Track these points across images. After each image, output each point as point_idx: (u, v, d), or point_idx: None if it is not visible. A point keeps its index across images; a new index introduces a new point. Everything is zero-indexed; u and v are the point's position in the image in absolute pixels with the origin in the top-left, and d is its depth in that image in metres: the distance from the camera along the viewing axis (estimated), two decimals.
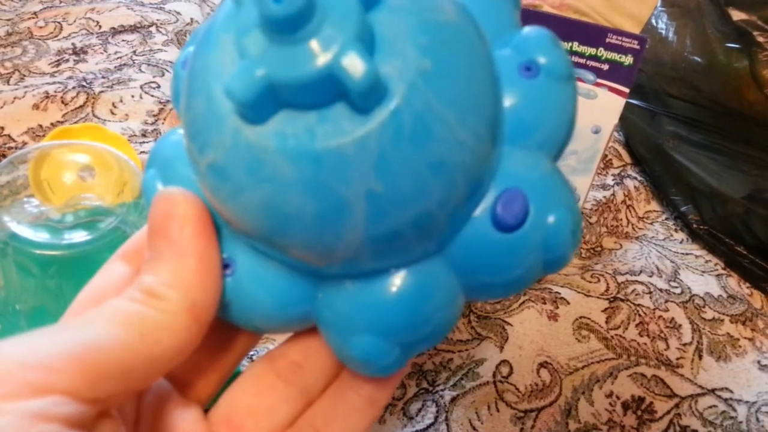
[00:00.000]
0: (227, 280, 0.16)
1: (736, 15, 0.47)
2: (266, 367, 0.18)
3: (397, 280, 0.15)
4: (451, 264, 0.15)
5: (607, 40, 0.39)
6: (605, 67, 0.40)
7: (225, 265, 0.16)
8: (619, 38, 0.39)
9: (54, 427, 0.12)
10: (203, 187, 0.15)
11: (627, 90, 0.40)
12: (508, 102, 0.15)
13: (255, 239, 0.15)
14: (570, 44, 0.39)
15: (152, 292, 0.14)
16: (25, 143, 0.51)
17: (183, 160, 0.16)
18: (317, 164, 0.13)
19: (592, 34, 0.39)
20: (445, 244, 0.15)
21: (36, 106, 0.54)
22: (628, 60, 0.39)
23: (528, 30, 0.17)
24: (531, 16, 0.39)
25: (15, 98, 0.55)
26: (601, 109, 0.41)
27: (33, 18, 0.65)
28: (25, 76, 0.57)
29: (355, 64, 0.12)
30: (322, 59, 0.12)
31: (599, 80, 0.40)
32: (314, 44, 0.12)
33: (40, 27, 0.64)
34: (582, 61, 0.40)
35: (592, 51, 0.40)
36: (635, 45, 0.39)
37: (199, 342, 0.15)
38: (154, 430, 0.16)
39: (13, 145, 0.50)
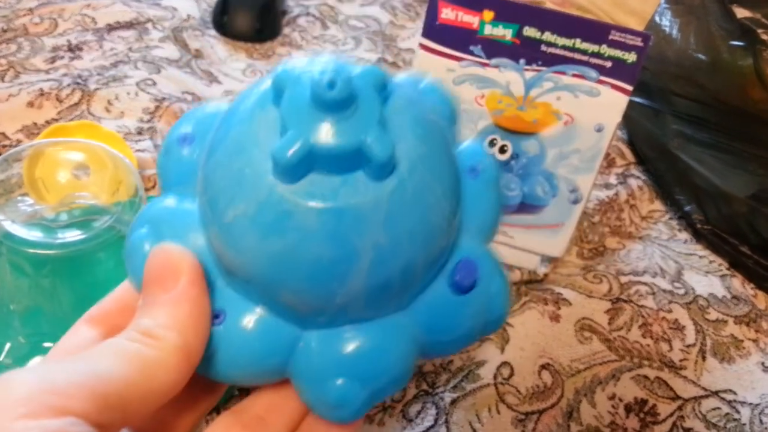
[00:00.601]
0: (217, 329, 0.18)
1: (741, 13, 0.46)
2: (232, 420, 0.19)
3: (376, 330, 0.18)
4: (414, 320, 0.18)
5: (611, 37, 0.39)
6: (608, 64, 0.39)
7: (215, 315, 0.18)
8: (623, 35, 0.39)
9: None
10: (218, 237, 0.17)
11: (630, 88, 0.39)
12: (470, 207, 0.19)
13: (259, 286, 0.17)
14: (573, 41, 0.39)
15: (149, 332, 0.16)
16: (19, 141, 0.50)
17: (170, 224, 0.19)
18: (338, 218, 0.16)
19: (595, 30, 0.39)
20: (411, 301, 0.18)
21: (31, 104, 0.53)
22: (631, 57, 0.39)
23: (467, 144, 0.21)
24: (534, 12, 0.39)
25: (9, 95, 0.54)
26: (603, 107, 0.40)
27: (28, 14, 0.64)
28: (19, 73, 0.57)
29: (378, 143, 0.16)
30: (355, 136, 0.16)
31: (602, 78, 0.40)
32: (350, 124, 0.16)
33: (36, 23, 0.63)
34: (585, 58, 0.39)
35: (595, 48, 0.39)
36: (639, 42, 0.39)
37: (186, 381, 0.17)
38: None
39: (7, 143, 0.50)
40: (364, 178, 0.16)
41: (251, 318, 0.18)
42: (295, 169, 0.16)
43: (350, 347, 0.18)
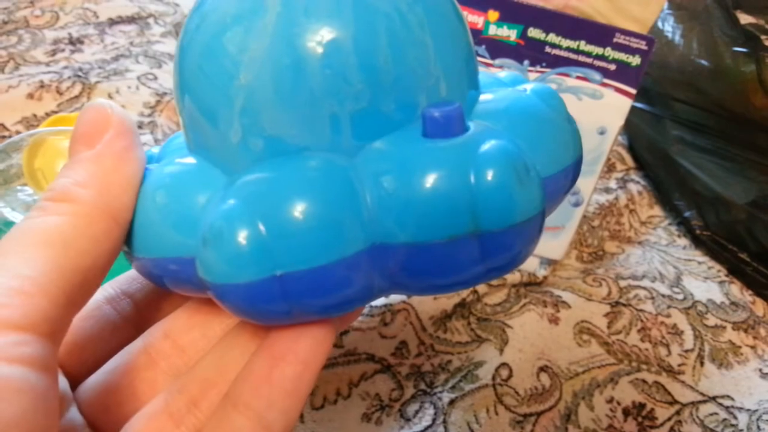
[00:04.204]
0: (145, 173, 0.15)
1: (744, 19, 0.46)
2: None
3: (299, 161, 0.14)
4: (363, 171, 0.14)
5: (615, 39, 0.39)
6: (612, 67, 0.39)
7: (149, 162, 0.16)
8: (627, 38, 0.39)
9: (18, 371, 0.11)
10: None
11: (634, 91, 0.39)
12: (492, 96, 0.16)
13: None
14: (577, 43, 0.39)
15: (63, 195, 0.14)
16: (18, 133, 0.50)
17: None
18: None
19: (599, 33, 0.39)
20: (364, 145, 0.14)
21: (31, 96, 0.53)
22: (635, 60, 0.39)
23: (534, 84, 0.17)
24: (539, 14, 0.39)
25: (9, 87, 0.54)
26: (607, 109, 0.40)
27: (30, 7, 0.64)
28: (20, 65, 0.56)
29: None
30: None
31: (606, 80, 0.40)
32: None
33: (37, 16, 0.63)
34: (589, 60, 0.39)
35: (599, 51, 0.39)
36: (643, 45, 0.39)
37: (121, 247, 0.14)
38: None
39: (6, 134, 0.49)
40: None
41: (180, 167, 0.15)
42: None
43: (255, 178, 0.14)
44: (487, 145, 0.13)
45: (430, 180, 0.13)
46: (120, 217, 0.14)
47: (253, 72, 0.14)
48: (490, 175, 0.13)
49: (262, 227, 0.13)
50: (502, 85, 0.18)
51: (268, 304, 0.13)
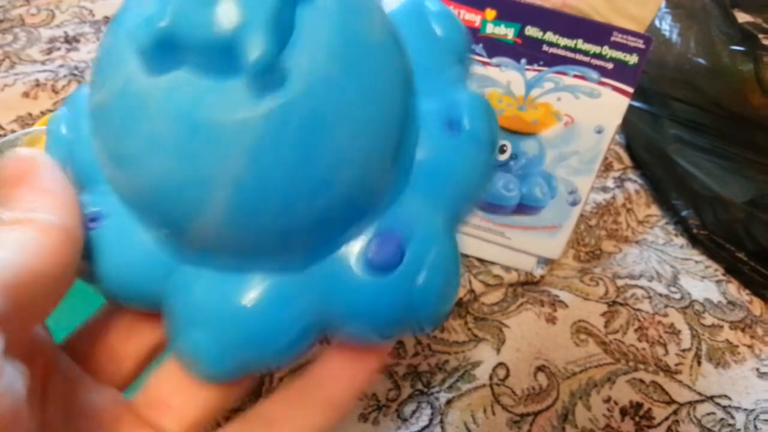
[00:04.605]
0: (92, 233, 0.15)
1: (742, 17, 0.46)
2: (240, 428, 0.17)
3: (253, 282, 0.15)
4: (312, 287, 0.15)
5: (612, 38, 0.39)
6: (610, 65, 0.39)
7: (93, 219, 0.15)
8: (625, 37, 0.38)
9: None
10: (92, 124, 0.15)
11: (631, 90, 0.39)
12: (422, 152, 0.15)
13: (122, 194, 0.15)
14: (574, 42, 0.39)
15: (14, 220, 0.13)
16: (14, 131, 0.49)
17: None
18: (192, 132, 0.12)
19: (597, 31, 0.39)
20: (307, 263, 0.15)
21: (26, 94, 0.53)
22: (633, 59, 0.39)
23: (467, 92, 0.16)
24: (536, 12, 0.39)
25: (5, 86, 0.53)
26: (604, 108, 0.40)
27: (25, 5, 0.64)
28: (15, 63, 0.56)
29: (256, 43, 0.12)
30: (227, 27, 0.12)
31: (603, 79, 0.39)
32: (226, 13, 0.12)
33: (32, 14, 0.63)
34: (586, 59, 0.39)
35: (596, 49, 0.39)
36: (640, 44, 0.38)
37: (75, 263, 0.14)
38: (66, 412, 0.15)
39: (1, 132, 0.49)
40: (242, 90, 0.12)
41: (127, 231, 0.15)
42: (155, 55, 0.12)
43: (215, 297, 0.15)
44: (422, 279, 0.14)
45: (373, 317, 0.15)
46: (72, 236, 0.14)
47: (210, 231, 0.14)
48: (427, 312, 0.15)
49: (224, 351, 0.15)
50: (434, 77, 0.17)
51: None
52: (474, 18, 0.40)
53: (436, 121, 0.15)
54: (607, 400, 0.40)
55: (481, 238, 0.45)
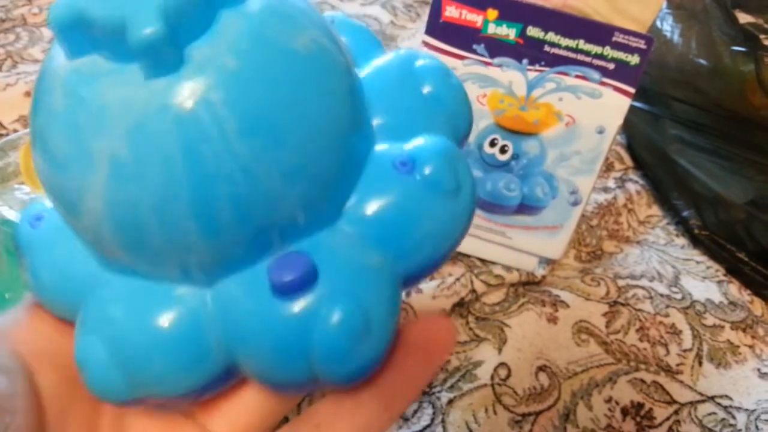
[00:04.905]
0: (34, 231, 0.15)
1: (743, 18, 0.46)
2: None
3: (147, 296, 0.14)
4: (216, 306, 0.14)
5: (614, 38, 0.39)
6: (611, 66, 0.39)
7: (38, 218, 0.16)
8: (626, 37, 0.39)
9: None
10: None
11: (632, 90, 0.39)
12: (365, 190, 0.14)
13: (40, 178, 0.14)
14: (576, 42, 0.39)
15: None
16: (16, 131, 0.49)
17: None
18: (79, 106, 0.12)
19: (598, 32, 0.39)
20: (215, 278, 0.14)
21: (28, 94, 0.53)
22: (634, 60, 0.39)
23: (437, 140, 0.15)
24: (538, 12, 0.39)
25: (7, 85, 0.53)
26: (605, 109, 0.40)
27: (27, 5, 0.64)
28: (17, 63, 0.56)
29: (141, 24, 0.11)
30: (121, 11, 0.12)
31: (604, 79, 0.39)
32: None
33: (34, 14, 0.63)
34: (588, 59, 0.39)
35: (598, 49, 0.39)
36: (642, 45, 0.39)
37: None
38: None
39: (4, 132, 0.49)
40: (137, 71, 0.12)
41: (61, 233, 0.15)
42: (69, 36, 0.12)
43: (117, 303, 0.14)
44: (330, 314, 0.13)
45: (269, 344, 0.13)
46: None
47: (94, 223, 0.13)
48: (326, 345, 0.13)
49: (123, 369, 0.14)
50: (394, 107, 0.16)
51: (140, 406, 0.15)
52: (476, 18, 0.40)
53: (387, 161, 0.15)
54: (609, 400, 0.40)
55: (483, 238, 0.45)
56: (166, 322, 0.14)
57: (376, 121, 0.15)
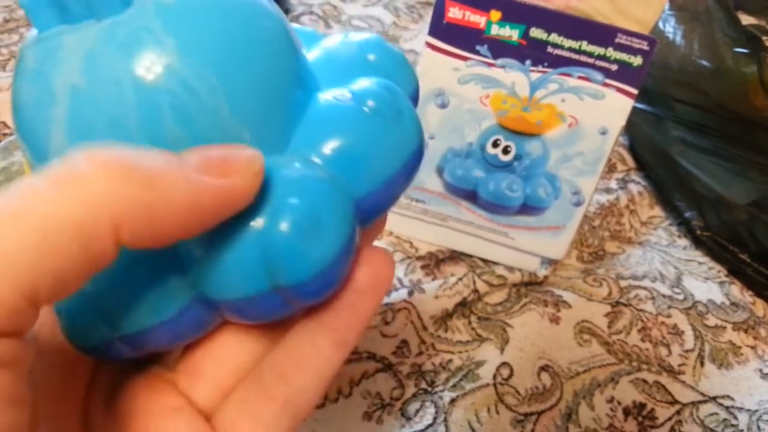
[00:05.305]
0: None
1: (746, 20, 0.46)
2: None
3: None
4: None
5: (617, 40, 0.39)
6: (614, 67, 0.39)
7: None
8: (629, 38, 0.39)
9: None
10: None
11: (635, 91, 0.40)
12: (310, 119, 0.15)
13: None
14: (579, 43, 0.39)
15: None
16: None
17: None
18: (44, 57, 0.14)
19: (601, 33, 0.39)
20: None
21: None
22: (637, 61, 0.39)
23: (372, 79, 0.17)
24: (541, 14, 0.39)
25: (11, 85, 0.53)
26: (608, 110, 0.40)
27: None
28: None
29: None
30: None
31: (607, 80, 0.40)
32: None
33: None
34: (590, 61, 0.39)
35: (601, 51, 0.39)
36: (645, 46, 0.39)
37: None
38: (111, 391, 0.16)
39: (8, 131, 0.49)
40: (92, 21, 0.14)
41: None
42: (36, 12, 0.14)
43: None
44: (277, 213, 0.14)
45: (223, 247, 0.14)
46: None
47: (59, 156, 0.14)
48: (278, 243, 0.14)
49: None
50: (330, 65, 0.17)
51: (119, 355, 0.16)
52: (479, 19, 0.40)
53: (331, 98, 0.16)
54: (611, 400, 0.40)
55: (485, 239, 0.46)
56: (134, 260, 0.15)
57: (326, 89, 0.17)
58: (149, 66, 0.13)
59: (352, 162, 0.15)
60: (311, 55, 0.18)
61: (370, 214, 0.16)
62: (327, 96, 0.16)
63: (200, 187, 0.13)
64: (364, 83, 0.16)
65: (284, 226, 0.14)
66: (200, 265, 0.15)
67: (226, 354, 0.17)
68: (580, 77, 0.40)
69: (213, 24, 0.14)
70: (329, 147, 0.15)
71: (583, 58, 0.39)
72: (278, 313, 0.15)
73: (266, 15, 0.15)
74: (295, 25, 0.18)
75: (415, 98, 0.18)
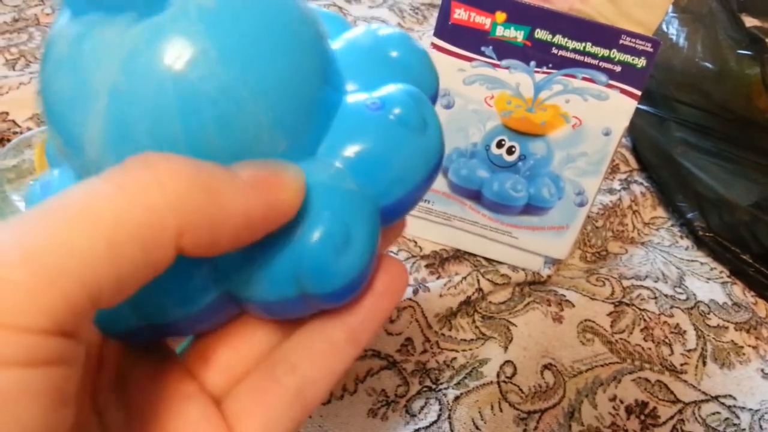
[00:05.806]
0: (44, 193, 0.17)
1: (749, 21, 0.47)
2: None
3: None
4: None
5: (621, 41, 0.39)
6: (618, 68, 0.40)
7: (47, 182, 0.17)
8: (633, 40, 0.39)
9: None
10: None
11: (639, 92, 0.40)
12: (338, 128, 0.16)
13: (51, 130, 0.16)
14: (584, 45, 0.39)
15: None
16: (29, 129, 0.50)
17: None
18: (82, 50, 0.14)
19: (605, 35, 0.39)
20: None
21: None
22: (641, 62, 0.39)
23: (396, 86, 0.17)
24: (546, 15, 0.39)
25: (20, 84, 0.54)
26: (612, 111, 0.40)
27: (40, 4, 0.64)
28: (30, 62, 0.57)
29: None
30: None
31: (611, 82, 0.40)
32: None
33: (47, 14, 0.63)
34: (595, 62, 0.40)
35: (605, 52, 0.39)
36: (648, 47, 0.39)
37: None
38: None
39: (18, 130, 0.50)
40: (131, 17, 0.14)
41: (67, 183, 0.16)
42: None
43: None
44: (310, 226, 0.14)
45: (258, 255, 0.15)
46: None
47: (96, 152, 0.14)
48: (310, 257, 0.14)
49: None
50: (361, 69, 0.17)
51: (139, 339, 0.16)
52: (484, 21, 0.40)
53: (360, 104, 0.16)
54: (613, 399, 0.41)
55: (489, 238, 0.46)
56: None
57: (350, 86, 0.17)
58: (194, 71, 0.13)
59: (379, 171, 0.15)
60: (335, 45, 0.18)
61: (390, 218, 0.16)
62: (355, 99, 0.16)
63: (254, 201, 0.13)
64: (390, 89, 0.16)
65: (316, 240, 0.14)
66: (234, 267, 0.15)
67: (240, 342, 0.17)
68: (584, 78, 0.40)
69: (255, 29, 0.14)
70: (356, 155, 0.15)
71: (588, 60, 0.40)
72: (299, 312, 0.16)
73: (303, 20, 0.15)
74: (319, 8, 0.18)
75: (434, 98, 0.18)
